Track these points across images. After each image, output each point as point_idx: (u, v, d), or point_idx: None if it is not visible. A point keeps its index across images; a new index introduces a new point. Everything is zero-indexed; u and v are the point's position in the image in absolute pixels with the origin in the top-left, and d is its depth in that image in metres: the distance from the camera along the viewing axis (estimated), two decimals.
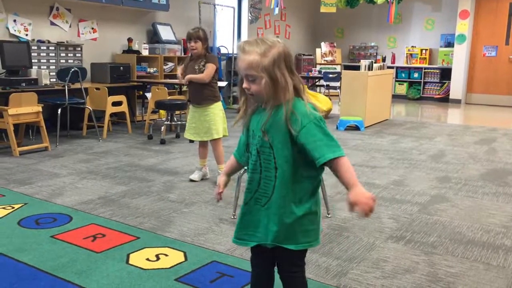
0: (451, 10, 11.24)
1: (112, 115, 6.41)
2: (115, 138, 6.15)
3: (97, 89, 6.29)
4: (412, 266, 2.59)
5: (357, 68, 8.15)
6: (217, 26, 9.59)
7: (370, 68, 7.32)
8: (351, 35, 12.70)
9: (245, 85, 1.63)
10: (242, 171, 3.26)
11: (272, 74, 1.58)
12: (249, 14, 9.91)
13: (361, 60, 7.52)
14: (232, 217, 3.29)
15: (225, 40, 9.92)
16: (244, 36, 10.57)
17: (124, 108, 6.38)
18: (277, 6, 8.74)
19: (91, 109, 6.04)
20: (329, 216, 3.33)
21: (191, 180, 4.21)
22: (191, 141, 5.88)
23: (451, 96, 11.31)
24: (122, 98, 6.35)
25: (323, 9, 10.24)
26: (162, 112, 7.17)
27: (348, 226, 3.17)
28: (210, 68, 3.95)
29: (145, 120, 6.84)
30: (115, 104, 6.30)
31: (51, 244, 2.81)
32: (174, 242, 2.87)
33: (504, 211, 3.54)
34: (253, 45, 1.60)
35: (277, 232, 1.68)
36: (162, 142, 5.83)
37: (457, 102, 11.19)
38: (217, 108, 4.05)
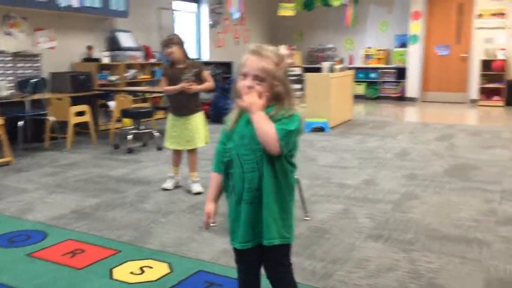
0: (403, 12, 11.59)
1: (73, 125, 6.25)
2: (79, 149, 6.01)
3: (59, 99, 6.13)
4: (394, 264, 2.67)
5: (317, 70, 8.30)
6: (177, 32, 9.53)
7: (332, 70, 7.46)
8: (310, 38, 12.89)
9: (249, 83, 1.69)
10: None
11: (284, 83, 1.72)
12: (210, 19, 9.91)
13: (323, 62, 7.68)
14: (212, 224, 3.27)
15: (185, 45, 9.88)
16: (205, 41, 10.55)
17: (87, 117, 6.24)
18: (238, 11, 8.77)
19: (54, 119, 5.87)
20: (307, 218, 3.37)
21: (164, 189, 4.17)
22: (160, 149, 5.84)
23: (407, 95, 11.66)
24: (85, 107, 6.21)
25: (281, 13, 10.35)
26: (125, 120, 7.05)
27: (327, 228, 3.23)
28: (209, 76, 4.05)
29: (108, 130, 6.71)
30: (78, 114, 6.16)
31: (29, 263, 2.72)
32: (156, 254, 2.84)
33: (472, 205, 3.69)
34: (269, 52, 1.73)
35: (270, 228, 1.74)
36: (130, 151, 5.74)
37: (413, 100, 11.55)
38: (199, 117, 4.06)
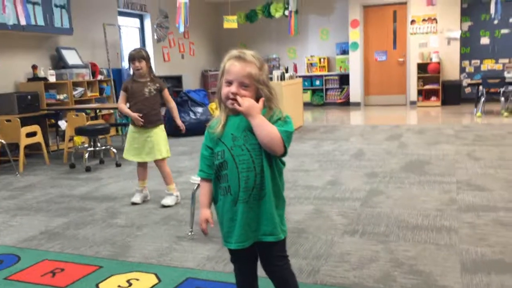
0: (342, 20, 12.05)
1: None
2: (33, 171, 5.80)
3: (8, 120, 5.89)
4: (374, 255, 2.80)
5: None
6: (123, 47, 9.43)
7: (282, 78, 7.63)
8: (254, 49, 12.80)
9: (234, 89, 1.74)
10: (195, 187, 3.28)
11: (268, 85, 1.79)
12: (156, 34, 9.87)
13: (273, 71, 7.82)
14: (189, 233, 3.28)
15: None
16: (151, 56, 10.46)
17: (39, 138, 6.04)
18: (185, 24, 8.79)
19: (4, 142, 5.63)
20: None
21: (133, 203, 4.12)
22: (118, 165, 5.74)
23: (351, 100, 12.09)
24: (36, 128, 6.01)
25: (226, 25, 10.45)
26: (77, 139, 6.87)
27: (303, 227, 3.32)
28: (168, 93, 4.12)
29: (60, 149, 6.52)
30: (29, 135, 5.95)
31: (8, 286, 2.62)
32: (140, 266, 2.82)
33: (433, 197, 3.91)
34: (252, 57, 1.76)
35: (266, 226, 1.80)
36: (88, 169, 5.60)
37: (357, 104, 11.99)
38: (160, 129, 4.06)
